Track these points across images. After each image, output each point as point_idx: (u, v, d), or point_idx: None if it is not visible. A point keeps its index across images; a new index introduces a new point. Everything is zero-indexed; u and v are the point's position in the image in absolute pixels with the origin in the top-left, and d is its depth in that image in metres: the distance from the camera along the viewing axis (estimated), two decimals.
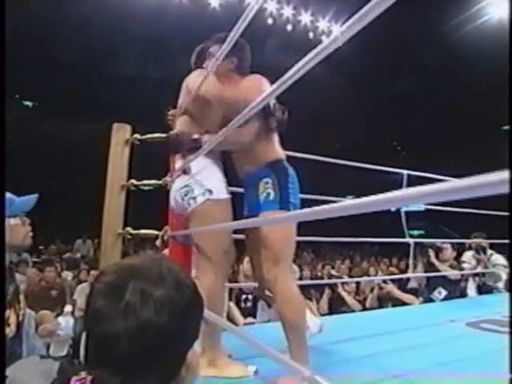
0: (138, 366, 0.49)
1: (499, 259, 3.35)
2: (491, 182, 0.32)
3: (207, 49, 1.52)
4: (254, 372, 1.36)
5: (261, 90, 1.25)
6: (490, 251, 3.40)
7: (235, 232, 1.62)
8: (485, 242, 3.38)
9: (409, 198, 0.43)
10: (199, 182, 1.40)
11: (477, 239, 3.38)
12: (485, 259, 3.30)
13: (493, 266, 3.30)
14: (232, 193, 1.51)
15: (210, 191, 1.38)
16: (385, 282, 3.55)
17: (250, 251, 1.55)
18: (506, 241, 2.25)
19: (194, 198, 1.39)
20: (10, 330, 1.17)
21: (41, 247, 6.96)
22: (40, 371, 0.53)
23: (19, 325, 1.23)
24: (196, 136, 1.37)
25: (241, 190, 1.58)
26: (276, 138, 1.48)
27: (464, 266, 3.42)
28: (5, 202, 1.14)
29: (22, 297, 1.30)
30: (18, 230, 1.26)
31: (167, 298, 0.51)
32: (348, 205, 0.52)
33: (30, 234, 1.31)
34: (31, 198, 1.29)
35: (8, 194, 1.20)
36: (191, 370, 0.57)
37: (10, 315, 1.18)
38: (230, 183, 1.54)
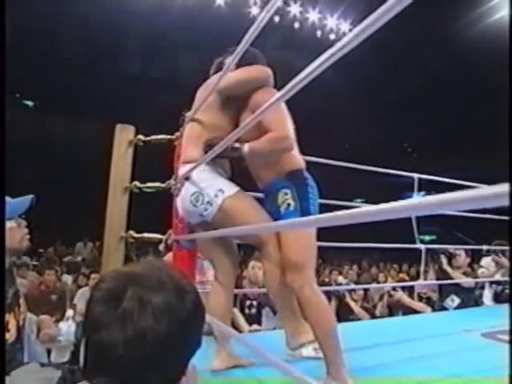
0: (136, 374, 0.48)
1: None
2: (491, 194, 0.33)
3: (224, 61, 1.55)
4: None
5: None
6: None
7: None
8: (506, 249, 3.25)
9: (410, 208, 0.44)
10: (206, 187, 1.40)
11: (497, 246, 3.26)
12: (506, 262, 3.18)
13: None
14: None
15: (222, 190, 1.39)
16: (394, 289, 3.46)
17: None
18: None
19: (209, 203, 1.38)
20: (10, 335, 1.14)
21: (40, 250, 6.96)
22: (41, 380, 0.53)
23: (19, 329, 1.20)
24: (237, 145, 1.38)
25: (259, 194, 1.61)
26: (296, 145, 1.48)
27: (481, 271, 3.32)
28: (5, 205, 1.11)
29: (22, 300, 1.28)
30: (14, 232, 1.24)
31: (166, 305, 0.49)
32: (362, 212, 0.51)
33: (27, 236, 1.29)
34: (26, 200, 1.27)
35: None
36: (191, 378, 0.55)
37: (10, 320, 1.15)
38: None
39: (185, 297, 0.52)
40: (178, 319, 0.50)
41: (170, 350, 0.49)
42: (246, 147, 1.35)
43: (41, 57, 9.23)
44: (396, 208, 0.44)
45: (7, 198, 1.22)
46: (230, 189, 1.41)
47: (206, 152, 1.36)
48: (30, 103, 11.80)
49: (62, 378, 0.51)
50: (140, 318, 0.47)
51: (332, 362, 1.27)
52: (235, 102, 1.47)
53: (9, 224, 1.21)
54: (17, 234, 1.24)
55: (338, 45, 0.57)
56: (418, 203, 0.41)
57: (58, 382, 0.51)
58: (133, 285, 0.50)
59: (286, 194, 1.38)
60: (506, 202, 0.31)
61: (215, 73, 1.57)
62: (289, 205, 1.37)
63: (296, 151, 1.47)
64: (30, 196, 1.27)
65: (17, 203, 1.24)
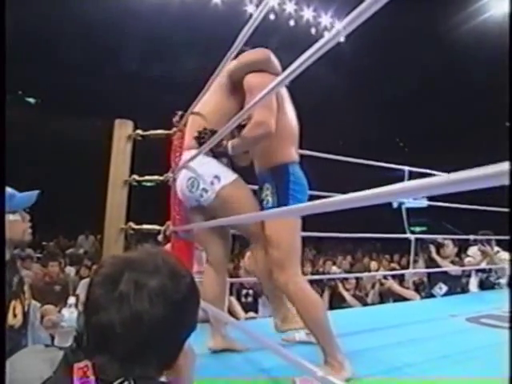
0: (133, 354, 0.50)
1: (505, 255, 3.34)
2: (491, 173, 0.32)
3: None
4: None
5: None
6: (496, 248, 3.39)
7: None
8: (492, 239, 3.37)
9: (410, 190, 0.43)
10: (202, 173, 1.38)
11: (483, 236, 3.37)
12: (490, 251, 3.29)
13: (499, 261, 3.29)
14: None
15: (218, 177, 1.36)
16: (385, 277, 3.56)
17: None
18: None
19: (204, 190, 1.36)
20: (17, 321, 1.18)
21: (44, 243, 7.04)
22: (44, 359, 0.54)
23: (25, 315, 1.24)
24: (224, 142, 1.38)
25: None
26: (289, 138, 1.44)
27: (468, 260, 3.43)
28: (5, 198, 1.14)
29: (26, 287, 1.31)
30: (18, 225, 1.26)
31: (161, 288, 0.51)
32: (347, 198, 0.52)
33: (30, 230, 1.32)
34: (32, 194, 1.29)
35: (9, 189, 1.20)
36: (189, 359, 0.58)
37: (16, 306, 1.19)
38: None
39: (180, 281, 0.54)
40: (173, 302, 0.51)
41: (166, 332, 0.51)
42: (229, 145, 1.36)
43: (43, 55, 9.16)
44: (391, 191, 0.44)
45: (14, 192, 1.24)
46: (227, 176, 1.37)
47: (199, 138, 1.37)
48: (32, 100, 11.72)
49: (65, 358, 0.52)
50: (136, 300, 0.49)
51: (327, 350, 1.27)
52: (241, 87, 1.43)
53: (13, 217, 1.23)
54: (20, 227, 1.27)
55: (326, 37, 0.58)
56: (431, 181, 0.39)
57: (60, 361, 0.52)
58: (129, 269, 0.52)
59: (268, 189, 1.37)
60: (506, 181, 0.31)
61: None
62: (268, 201, 1.36)
63: (286, 144, 1.42)
64: (37, 191, 1.29)
65: (22, 197, 1.26)
